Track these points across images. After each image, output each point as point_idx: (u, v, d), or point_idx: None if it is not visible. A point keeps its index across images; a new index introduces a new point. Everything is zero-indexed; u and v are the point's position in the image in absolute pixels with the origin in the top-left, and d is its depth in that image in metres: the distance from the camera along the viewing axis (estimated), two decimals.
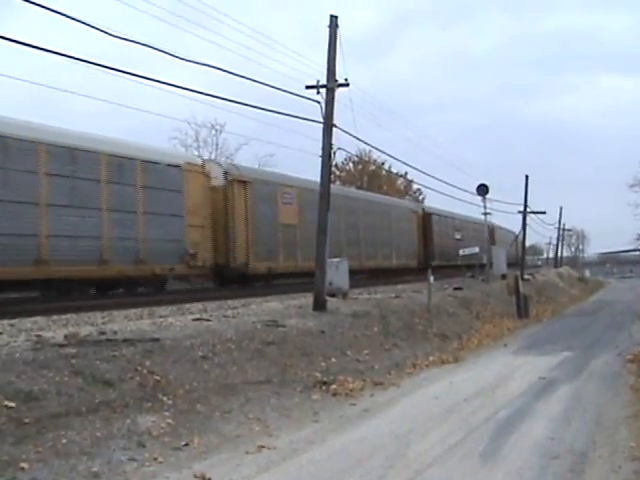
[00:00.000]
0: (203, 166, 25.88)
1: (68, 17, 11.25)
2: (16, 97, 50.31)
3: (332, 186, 23.91)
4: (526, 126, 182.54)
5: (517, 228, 56.18)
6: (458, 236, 52.18)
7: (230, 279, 27.61)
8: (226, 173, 26.58)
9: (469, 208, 46.36)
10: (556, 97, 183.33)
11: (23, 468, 7.06)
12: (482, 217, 52.70)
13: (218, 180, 26.24)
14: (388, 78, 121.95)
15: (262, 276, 28.52)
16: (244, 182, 27.05)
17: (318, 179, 19.48)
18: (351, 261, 30.34)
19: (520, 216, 48.45)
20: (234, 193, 26.40)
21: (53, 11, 10.89)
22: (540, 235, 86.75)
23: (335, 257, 26.89)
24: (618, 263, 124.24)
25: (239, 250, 26.30)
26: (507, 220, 62.93)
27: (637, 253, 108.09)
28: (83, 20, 11.57)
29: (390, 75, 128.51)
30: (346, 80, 18.58)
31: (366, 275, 37.41)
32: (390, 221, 40.97)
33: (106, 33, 11.96)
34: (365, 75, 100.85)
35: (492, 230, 56.78)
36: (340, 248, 30.40)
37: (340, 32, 18.39)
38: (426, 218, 47.33)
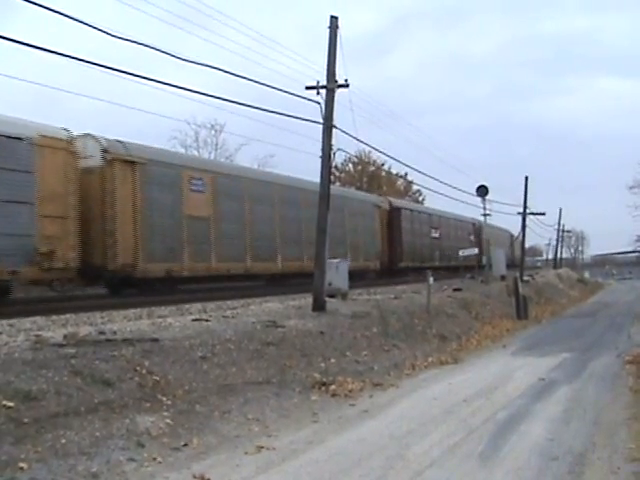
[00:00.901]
0: (70, 141, 19.79)
1: (68, 17, 11.26)
2: (15, 96, 50.25)
3: (263, 172, 23.21)
4: (525, 127, 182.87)
5: (516, 229, 55.95)
6: (435, 234, 48.08)
7: (112, 284, 22.74)
8: (105, 151, 21.18)
9: (469, 209, 46.33)
10: (555, 99, 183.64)
11: (22, 468, 7.06)
12: (465, 214, 52.41)
13: (94, 160, 20.93)
14: (387, 80, 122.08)
15: (159, 280, 22.79)
16: (132, 163, 21.75)
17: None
18: (289, 262, 28.94)
19: (519, 217, 48.39)
20: (116, 176, 21.13)
21: (53, 11, 10.89)
22: (539, 236, 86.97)
23: (269, 256, 27.23)
24: (617, 264, 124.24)
25: (121, 248, 21.00)
26: (507, 221, 62.67)
27: (633, 255, 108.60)
28: (83, 20, 11.58)
29: (389, 77, 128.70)
30: (346, 81, 18.59)
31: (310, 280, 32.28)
32: (344, 216, 34.58)
33: (106, 33, 11.97)
34: (365, 77, 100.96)
35: (479, 229, 55.62)
36: (273, 246, 28.06)
37: (340, 33, 18.43)
38: (393, 214, 41.68)
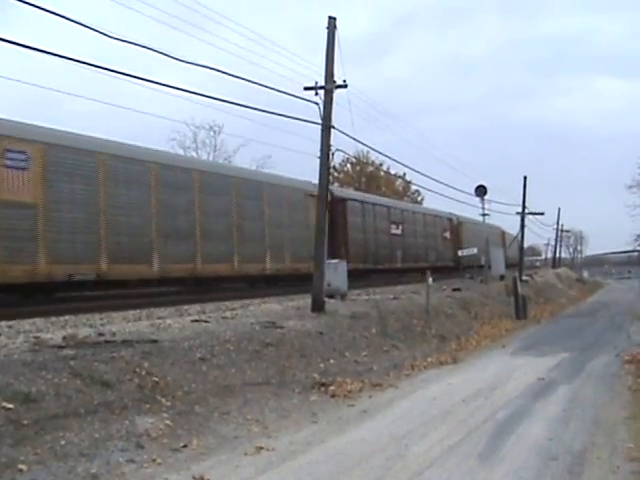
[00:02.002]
0: None
1: (66, 18, 11.25)
2: (13, 98, 50.20)
3: (130, 147, 19.84)
4: (523, 128, 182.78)
5: (515, 229, 55.52)
6: (397, 231, 40.50)
7: None
8: None
9: (467, 209, 46.09)
10: (552, 99, 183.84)
11: (22, 470, 7.06)
12: (439, 208, 50.64)
13: None
14: (385, 81, 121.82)
15: None
16: None
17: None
18: (171, 264, 21.79)
19: (518, 217, 48.37)
20: None
21: (50, 12, 10.89)
22: (538, 236, 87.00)
23: (137, 257, 20.42)
24: (615, 264, 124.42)
25: None
26: (506, 221, 62.48)
27: (624, 254, 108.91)
28: (79, 21, 11.57)
29: (387, 78, 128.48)
30: (344, 81, 18.62)
31: (212, 287, 25.05)
32: (261, 206, 27.47)
33: (104, 34, 11.97)
34: (362, 78, 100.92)
35: (458, 225, 52.09)
36: (147, 242, 21.16)
37: (338, 34, 18.44)
38: (336, 205, 33.91)
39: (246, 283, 27.89)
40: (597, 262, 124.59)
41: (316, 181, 19.60)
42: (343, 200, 35.15)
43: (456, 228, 51.93)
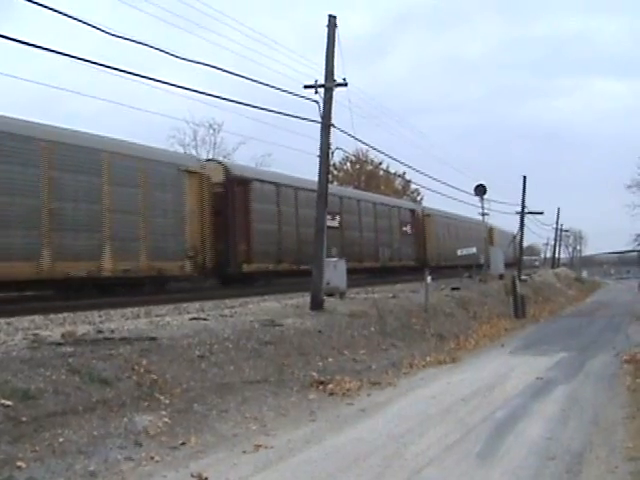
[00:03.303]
0: None
1: (66, 15, 11.24)
2: (14, 97, 50.18)
3: None
4: (522, 127, 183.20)
5: (515, 228, 55.25)
6: (332, 222, 32.61)
7: None
8: None
9: (467, 209, 45.88)
10: (551, 99, 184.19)
11: (20, 467, 7.06)
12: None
13: None
14: (383, 81, 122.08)
15: None
16: None
17: (316, 178, 19.41)
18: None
19: (517, 216, 48.33)
20: None
21: (50, 9, 10.88)
22: (537, 235, 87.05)
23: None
24: (615, 264, 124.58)
25: None
26: (505, 221, 62.28)
27: (614, 255, 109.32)
28: (80, 18, 11.57)
29: (385, 78, 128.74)
30: (344, 80, 18.60)
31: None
32: (100, 183, 20.46)
33: (104, 32, 11.97)
34: (361, 78, 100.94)
35: (423, 219, 45.35)
36: None
37: (338, 33, 18.43)
38: (233, 188, 26.54)
39: (63, 290, 20.22)
40: (590, 262, 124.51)
41: (313, 178, 19.56)
42: (244, 181, 26.98)
43: (421, 221, 44.89)
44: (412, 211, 44.71)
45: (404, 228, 42.48)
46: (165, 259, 22.61)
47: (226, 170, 26.92)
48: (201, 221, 24.48)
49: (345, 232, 34.47)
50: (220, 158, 28.70)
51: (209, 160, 27.68)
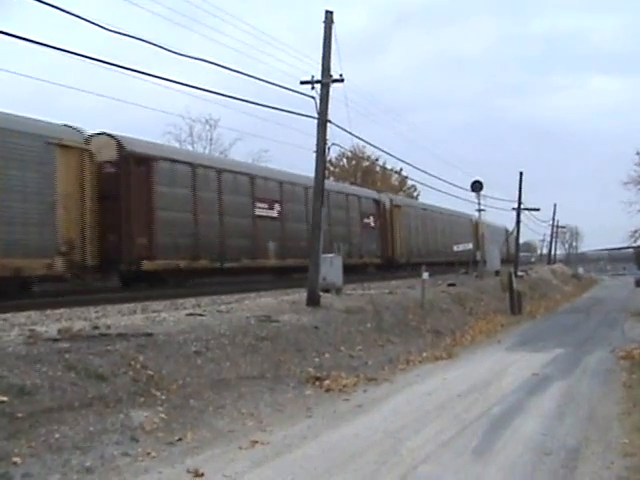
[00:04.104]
0: None
1: (62, 10, 11.20)
2: (11, 92, 50.01)
3: None
4: (518, 124, 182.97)
5: (511, 225, 55.15)
6: (268, 212, 28.54)
7: None
8: None
9: (464, 205, 45.76)
10: (547, 96, 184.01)
11: (16, 463, 7.05)
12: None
13: None
14: (380, 77, 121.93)
15: None
16: None
17: (312, 174, 19.39)
18: None
19: (514, 213, 48.32)
20: None
21: (46, 4, 10.83)
22: (533, 232, 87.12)
23: None
24: (612, 260, 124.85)
25: None
26: (501, 217, 62.20)
27: (604, 252, 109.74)
28: (77, 14, 11.52)
29: (382, 74, 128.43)
30: (341, 76, 18.57)
31: None
32: None
33: (100, 27, 11.93)
34: (358, 74, 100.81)
35: (391, 210, 39.89)
36: None
37: (335, 29, 18.39)
38: (133, 167, 21.74)
39: None
40: (583, 259, 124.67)
41: (311, 175, 19.54)
42: (147, 159, 22.23)
43: (388, 213, 39.42)
44: (377, 201, 38.87)
45: (366, 220, 36.94)
46: (25, 255, 17.80)
47: (119, 146, 21.55)
48: (81, 208, 19.57)
49: (287, 224, 29.38)
50: (114, 131, 21.90)
51: (98, 134, 21.34)
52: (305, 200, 29.74)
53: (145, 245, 21.74)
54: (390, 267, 38.56)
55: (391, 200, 40.57)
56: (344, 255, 29.79)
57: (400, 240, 39.96)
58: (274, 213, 28.67)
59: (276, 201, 28.82)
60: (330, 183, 34.69)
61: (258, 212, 27.51)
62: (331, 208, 31.67)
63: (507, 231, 64.72)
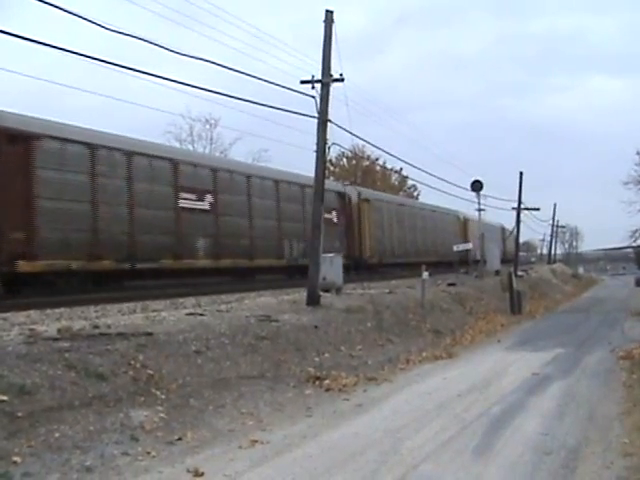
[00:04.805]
0: None
1: (63, 10, 11.19)
2: (10, 92, 49.90)
3: None
4: (518, 124, 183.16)
5: (511, 224, 55.03)
6: (196, 204, 23.98)
7: None
8: None
9: (464, 204, 45.58)
10: (547, 96, 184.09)
11: (16, 462, 7.04)
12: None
13: None
14: (379, 78, 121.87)
15: None
16: None
17: (312, 174, 19.37)
18: None
19: (514, 212, 48.30)
20: None
21: (46, 3, 10.82)
22: (533, 231, 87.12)
23: None
24: (612, 260, 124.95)
25: None
26: (501, 216, 62.03)
27: (600, 252, 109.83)
28: (78, 13, 11.52)
29: (381, 75, 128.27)
30: (341, 75, 18.57)
31: None
32: None
33: (100, 26, 11.92)
34: (358, 74, 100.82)
35: (359, 205, 35.07)
36: None
37: (335, 28, 18.39)
38: (1, 147, 17.72)
39: None
40: (581, 259, 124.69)
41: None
42: (24, 137, 18.18)
43: (355, 208, 34.96)
44: (341, 194, 34.47)
45: (327, 216, 29.92)
46: None
47: None
48: None
49: (223, 218, 25.05)
50: None
51: None
52: (247, 191, 26.59)
53: (21, 241, 17.86)
54: (358, 268, 33.77)
55: (359, 193, 36.25)
56: (298, 255, 28.53)
57: (370, 238, 35.85)
58: (205, 205, 24.36)
59: (208, 191, 24.46)
60: (281, 171, 31.39)
61: (183, 204, 23.14)
62: (281, 201, 28.69)
63: (504, 229, 64.55)
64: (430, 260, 35.29)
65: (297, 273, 28.05)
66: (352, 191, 35.57)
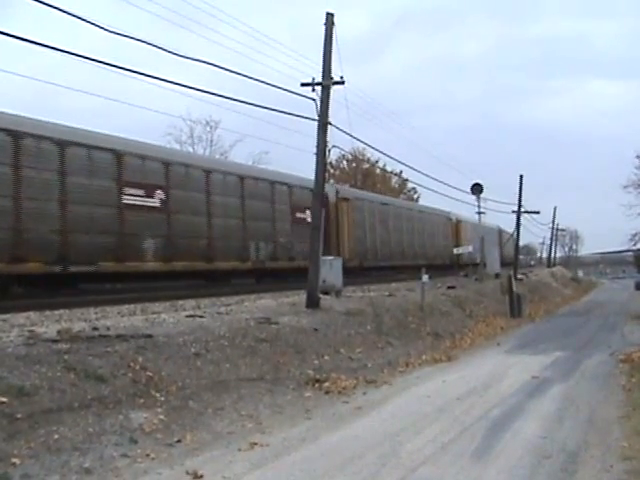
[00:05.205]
0: None
1: (62, 11, 11.19)
2: (13, 94, 49.98)
3: None
4: (518, 127, 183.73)
5: (511, 228, 55.00)
6: (146, 200, 21.14)
7: None
8: None
9: (464, 207, 45.54)
10: (546, 100, 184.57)
11: (15, 464, 7.04)
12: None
13: None
14: (379, 81, 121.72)
15: None
16: None
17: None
18: None
19: (514, 215, 48.31)
20: None
21: (47, 5, 10.83)
22: (533, 234, 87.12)
23: None
24: (611, 263, 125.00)
25: None
26: (501, 220, 61.99)
27: (596, 255, 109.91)
28: (77, 15, 11.52)
29: (381, 78, 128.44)
30: (341, 78, 18.57)
31: None
32: None
33: (100, 28, 11.92)
34: (358, 77, 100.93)
35: (335, 205, 31.91)
36: None
37: (335, 31, 18.40)
38: None
39: None
40: (580, 262, 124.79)
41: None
42: None
43: (333, 207, 31.80)
44: (312, 191, 28.34)
45: (300, 215, 29.05)
46: None
47: None
48: None
49: (175, 217, 22.29)
50: None
51: None
52: (206, 187, 24.01)
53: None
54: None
55: (337, 191, 33.24)
56: (265, 257, 26.14)
57: (349, 240, 32.99)
58: (155, 202, 21.59)
59: (158, 187, 21.71)
60: (247, 166, 28.84)
61: (128, 200, 20.38)
62: (245, 198, 25.89)
63: (501, 232, 64.36)
64: (418, 263, 33.50)
65: (266, 276, 26.63)
66: (329, 188, 31.67)
